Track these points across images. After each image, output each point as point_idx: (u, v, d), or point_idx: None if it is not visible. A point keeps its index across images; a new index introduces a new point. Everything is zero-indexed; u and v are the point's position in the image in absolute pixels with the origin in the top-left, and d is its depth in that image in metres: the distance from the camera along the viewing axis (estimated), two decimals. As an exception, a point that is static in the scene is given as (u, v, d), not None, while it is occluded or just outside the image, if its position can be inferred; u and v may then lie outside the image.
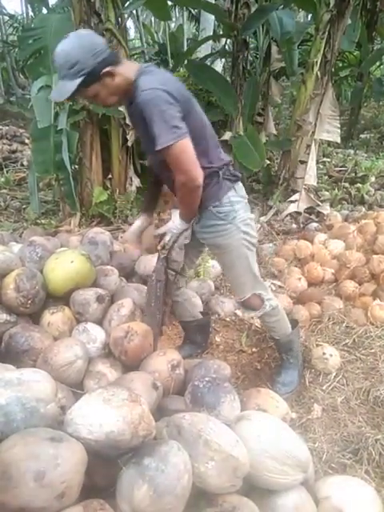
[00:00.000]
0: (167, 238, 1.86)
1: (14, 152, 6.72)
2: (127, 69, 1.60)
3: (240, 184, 1.85)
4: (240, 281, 1.95)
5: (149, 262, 2.82)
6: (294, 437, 1.40)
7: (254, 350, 2.46)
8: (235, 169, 1.86)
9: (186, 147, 1.53)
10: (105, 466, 1.22)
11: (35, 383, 1.22)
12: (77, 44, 1.51)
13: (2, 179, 5.46)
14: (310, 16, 9.51)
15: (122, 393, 1.25)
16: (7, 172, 5.72)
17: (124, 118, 3.87)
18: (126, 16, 4.29)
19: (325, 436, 1.84)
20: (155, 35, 12.49)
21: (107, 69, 1.53)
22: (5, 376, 1.22)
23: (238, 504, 1.23)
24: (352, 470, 1.66)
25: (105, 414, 1.18)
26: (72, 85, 1.51)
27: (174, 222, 1.82)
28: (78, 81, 1.50)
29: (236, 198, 1.80)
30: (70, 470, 1.05)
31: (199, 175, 1.58)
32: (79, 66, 1.49)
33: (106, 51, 1.54)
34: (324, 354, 2.20)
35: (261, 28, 5.45)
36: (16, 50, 13.44)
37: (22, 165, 6.20)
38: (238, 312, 2.75)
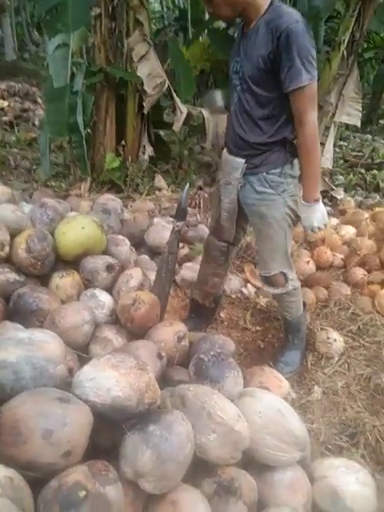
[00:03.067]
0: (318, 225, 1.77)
1: (25, 110, 6.62)
2: None
3: (296, 161, 1.78)
4: (271, 256, 1.92)
5: (158, 233, 2.82)
6: (295, 416, 1.41)
7: (257, 328, 2.47)
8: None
9: (315, 89, 1.54)
10: (109, 430, 1.24)
11: (45, 344, 1.22)
12: None
13: (13, 138, 5.39)
14: (338, -9, 9.16)
15: (129, 360, 1.26)
16: (18, 131, 5.64)
17: (141, 84, 3.76)
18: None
19: (323, 418, 1.87)
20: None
21: None
22: (16, 335, 1.23)
23: (236, 476, 1.25)
24: (348, 454, 1.68)
25: (112, 379, 1.18)
26: None
27: (311, 208, 1.72)
28: None
29: (290, 171, 1.76)
30: (77, 431, 1.06)
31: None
32: None
33: None
34: (328, 338, 2.20)
35: (288, 1, 5.25)
36: (31, 4, 13.04)
37: (34, 124, 6.11)
38: (244, 290, 2.75)
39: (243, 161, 1.77)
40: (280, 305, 2.14)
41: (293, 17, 1.50)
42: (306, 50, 1.48)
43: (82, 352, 1.65)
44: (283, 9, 1.54)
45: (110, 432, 1.23)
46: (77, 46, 3.78)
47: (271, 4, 1.56)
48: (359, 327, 2.38)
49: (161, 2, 9.47)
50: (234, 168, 1.82)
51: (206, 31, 5.46)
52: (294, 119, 1.64)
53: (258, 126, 1.69)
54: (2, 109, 6.43)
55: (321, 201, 1.73)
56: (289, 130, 1.68)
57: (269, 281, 1.99)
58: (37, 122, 6.07)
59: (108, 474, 1.05)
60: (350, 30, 4.01)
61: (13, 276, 1.84)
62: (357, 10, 3.92)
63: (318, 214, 1.73)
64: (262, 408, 1.37)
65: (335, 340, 2.20)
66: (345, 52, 4.09)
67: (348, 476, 1.36)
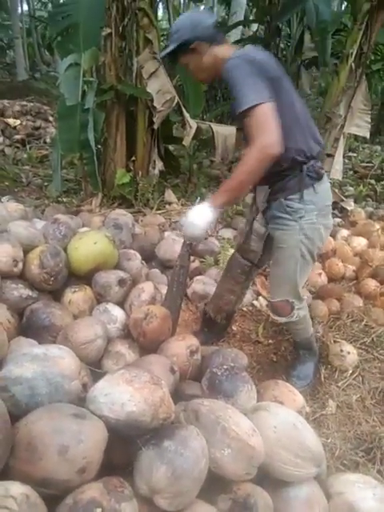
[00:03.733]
0: (187, 232, 1.74)
1: (37, 129, 6.75)
2: (226, 51, 1.66)
3: (324, 185, 1.74)
4: (278, 281, 1.90)
5: (169, 247, 2.84)
6: (310, 431, 1.40)
7: (270, 341, 2.46)
8: (321, 165, 1.75)
9: (269, 111, 1.48)
10: (123, 446, 1.24)
11: (60, 359, 1.24)
12: (187, 16, 1.76)
13: (25, 155, 5.49)
14: (344, 5, 9.24)
15: (144, 375, 1.26)
16: (30, 148, 5.75)
17: (151, 100, 3.83)
18: (159, -4, 4.23)
19: (338, 432, 1.84)
20: (184, 17, 12.27)
21: (196, 44, 1.65)
22: (32, 351, 1.24)
23: (251, 492, 1.24)
24: (364, 469, 1.66)
25: (127, 393, 1.19)
26: (170, 47, 1.70)
27: (189, 213, 1.69)
28: (173, 46, 1.69)
29: (312, 197, 1.70)
30: (92, 447, 1.07)
31: (278, 143, 1.47)
32: (179, 34, 1.67)
33: (207, 30, 1.66)
34: (341, 351, 2.18)
35: (295, 15, 5.33)
36: (42, 25, 13.42)
37: (45, 142, 6.23)
38: (256, 303, 2.74)
39: (267, 186, 1.77)
40: (287, 329, 2.13)
41: (229, 59, 1.56)
42: (241, 78, 1.50)
43: (94, 367, 1.65)
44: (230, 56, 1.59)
45: (124, 448, 1.23)
46: (89, 65, 3.87)
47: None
48: (373, 339, 2.36)
49: (169, 20, 9.65)
50: (261, 192, 1.83)
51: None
52: (299, 132, 1.65)
53: None
54: (15, 127, 6.57)
55: (214, 211, 1.64)
56: (296, 145, 1.64)
57: (274, 307, 1.97)
58: (48, 140, 6.19)
59: (123, 490, 1.05)
60: (358, 43, 4.05)
61: (26, 292, 1.87)
62: (364, 23, 3.96)
63: (200, 219, 1.65)
64: (277, 422, 1.36)
65: (349, 353, 2.17)
66: (353, 64, 4.12)
67: (365, 492, 1.34)
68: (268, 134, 1.47)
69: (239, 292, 2.21)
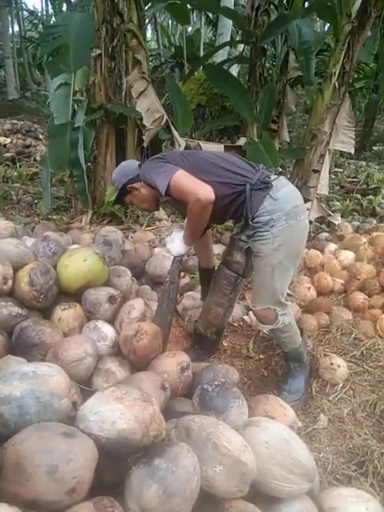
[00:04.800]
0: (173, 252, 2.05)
1: (27, 147, 6.78)
2: None
3: (283, 189, 1.83)
4: (259, 289, 1.97)
5: (159, 263, 2.84)
6: (302, 446, 1.40)
7: (261, 356, 2.46)
8: (270, 172, 1.91)
9: (182, 177, 1.75)
10: (113, 464, 1.22)
11: (50, 377, 1.23)
12: (117, 170, 2.10)
13: (15, 173, 5.50)
14: (326, 26, 9.54)
15: (134, 392, 1.26)
16: (20, 166, 5.76)
17: (141, 119, 3.89)
18: (146, 18, 4.33)
19: (330, 447, 1.84)
20: (172, 38, 12.55)
21: (130, 185, 1.99)
22: (20, 369, 1.23)
23: (244, 509, 1.23)
24: (357, 483, 1.65)
25: (117, 412, 1.18)
26: (115, 196, 2.11)
27: (173, 246, 2.03)
28: (116, 193, 2.08)
29: (273, 205, 1.80)
30: (82, 466, 1.05)
31: (207, 190, 1.71)
32: (116, 184, 2.05)
33: (132, 173, 1.99)
34: (332, 364, 2.19)
35: (279, 36, 5.47)
36: (33, 45, 13.61)
37: (35, 160, 6.24)
38: (246, 318, 2.75)
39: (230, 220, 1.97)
40: (274, 338, 2.16)
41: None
42: (150, 171, 1.85)
43: (84, 385, 1.64)
44: None
45: (115, 466, 1.22)
46: (81, 84, 3.94)
47: None
48: (362, 352, 2.37)
49: (157, 41, 9.85)
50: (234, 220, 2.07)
51: (201, 67, 5.67)
52: (221, 175, 1.85)
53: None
54: (5, 145, 6.59)
55: (185, 248, 2.02)
56: (227, 185, 1.84)
57: (259, 316, 2.03)
58: (38, 158, 6.21)
59: (114, 510, 1.04)
60: (341, 63, 4.16)
61: (15, 309, 1.85)
62: (346, 44, 4.08)
63: (178, 248, 2.03)
64: (269, 438, 1.36)
65: (339, 366, 2.18)
66: (336, 83, 4.23)
67: (358, 506, 1.34)
68: (193, 191, 1.71)
69: (227, 304, 2.22)
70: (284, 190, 1.84)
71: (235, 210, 1.89)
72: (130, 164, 2.12)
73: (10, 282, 1.89)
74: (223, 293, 2.18)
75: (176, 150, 2.08)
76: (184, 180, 1.74)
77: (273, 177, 1.86)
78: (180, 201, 1.81)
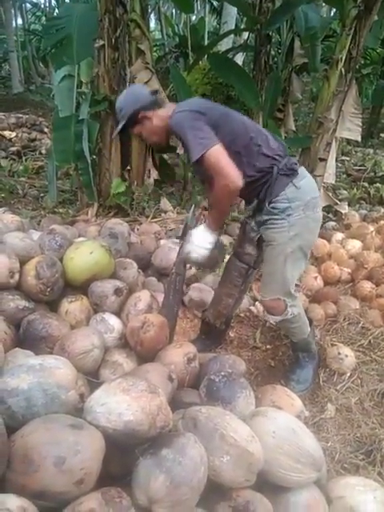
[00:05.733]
0: (194, 255, 1.89)
1: (33, 140, 6.78)
2: (168, 110, 1.84)
3: (305, 179, 1.82)
4: (269, 279, 1.94)
5: (165, 255, 2.84)
6: (309, 435, 1.40)
7: (267, 346, 2.46)
8: (294, 160, 1.86)
9: (218, 153, 1.65)
10: (121, 455, 1.23)
11: (57, 370, 1.24)
12: (124, 95, 1.92)
13: (21, 167, 5.51)
14: (332, 11, 9.36)
15: (141, 383, 1.26)
16: (26, 160, 5.77)
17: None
18: (149, 8, 4.28)
19: (338, 436, 1.84)
20: (176, 27, 12.40)
21: (143, 113, 1.83)
22: (27, 361, 1.24)
23: (251, 499, 1.23)
24: (364, 472, 1.65)
25: (124, 403, 1.19)
26: (120, 125, 1.90)
27: (197, 237, 1.87)
28: (123, 123, 1.87)
29: (294, 193, 1.78)
30: (89, 458, 1.06)
31: (237, 177, 1.66)
32: (124, 111, 1.85)
33: (145, 100, 1.84)
34: (339, 354, 2.18)
35: (285, 23, 5.38)
36: (37, 38, 13.55)
37: (41, 153, 6.25)
38: (253, 308, 2.75)
39: (254, 196, 1.87)
40: (283, 329, 2.15)
41: (171, 115, 1.76)
42: (186, 129, 1.69)
43: (92, 377, 1.65)
44: (172, 112, 1.78)
45: (122, 457, 1.23)
46: (87, 76, 3.92)
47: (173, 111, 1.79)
48: (370, 341, 2.36)
49: (161, 31, 9.74)
50: (247, 204, 1.97)
51: (205, 56, 5.60)
52: (253, 151, 1.78)
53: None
54: (10, 139, 6.60)
55: (213, 235, 1.86)
56: (255, 163, 1.77)
57: (267, 307, 2.01)
58: (44, 151, 6.21)
59: (121, 501, 1.04)
60: (347, 48, 4.08)
61: (22, 303, 1.87)
62: (352, 29, 4.00)
63: (200, 238, 1.86)
64: (276, 428, 1.36)
65: (346, 356, 2.18)
66: (342, 69, 4.15)
67: (365, 495, 1.34)
68: (224, 174, 1.66)
69: (237, 295, 2.22)
70: (306, 179, 1.83)
71: (252, 190, 1.83)
72: (141, 89, 1.99)
73: (16, 276, 1.90)
74: (234, 284, 2.17)
75: (216, 105, 1.89)
76: (219, 158, 1.65)
77: (297, 165, 1.84)
78: (206, 172, 1.74)
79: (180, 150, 4.05)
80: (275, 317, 1.99)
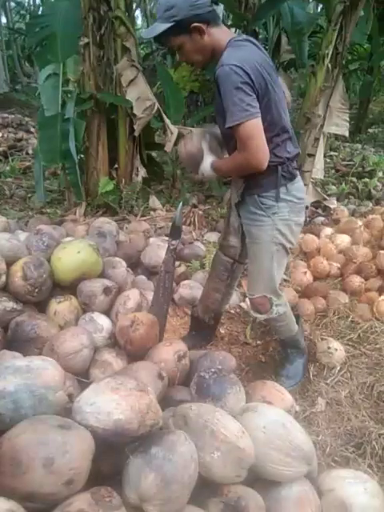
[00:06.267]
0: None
1: (19, 140, 6.71)
2: (221, 34, 1.61)
3: (297, 184, 1.81)
4: (255, 277, 1.94)
5: (154, 253, 2.84)
6: (299, 429, 1.41)
7: (258, 342, 2.47)
8: (296, 165, 1.82)
9: (255, 127, 1.53)
10: (111, 454, 1.23)
11: (44, 371, 1.23)
12: None
13: (8, 168, 5.46)
14: (319, 7, 9.38)
15: (129, 382, 1.26)
16: (12, 160, 5.72)
17: (131, 108, 3.84)
18: (134, 5, 4.24)
19: (328, 429, 1.85)
20: (162, 24, 12.33)
21: (198, 24, 1.54)
22: (14, 363, 1.23)
23: (242, 494, 1.24)
24: (355, 464, 1.67)
25: (113, 402, 1.18)
26: (162, 27, 1.55)
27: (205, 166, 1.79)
28: (168, 25, 1.53)
29: (285, 196, 1.76)
30: (78, 458, 1.06)
31: (265, 159, 1.58)
32: (174, 11, 1.52)
33: (205, 7, 1.55)
34: (329, 348, 2.20)
35: (271, 18, 5.38)
36: (22, 37, 13.40)
37: (27, 153, 6.19)
38: (243, 304, 2.75)
39: (242, 180, 1.81)
40: (270, 327, 2.16)
41: (223, 61, 1.53)
42: (232, 90, 1.50)
43: (82, 377, 1.64)
44: (226, 53, 1.57)
45: (112, 456, 1.22)
46: (74, 74, 3.88)
47: (228, 45, 1.59)
48: (359, 335, 2.38)
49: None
50: (236, 187, 1.88)
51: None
52: (279, 139, 1.70)
53: None
54: (-4, 140, 6.53)
55: (211, 170, 1.79)
56: (274, 150, 1.69)
57: (253, 304, 2.00)
58: (31, 151, 6.15)
59: (111, 500, 1.04)
60: (333, 44, 4.09)
61: (10, 304, 1.85)
62: (339, 24, 4.01)
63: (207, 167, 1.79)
64: (266, 423, 1.36)
65: (336, 349, 2.19)
66: (329, 65, 4.16)
67: (356, 487, 1.35)
68: (252, 152, 1.56)
69: (224, 290, 2.21)
70: (298, 184, 1.82)
71: (256, 176, 1.73)
72: None
73: (3, 277, 1.89)
74: (220, 278, 2.17)
75: (265, 76, 1.58)
76: (255, 133, 1.53)
77: (297, 170, 1.83)
78: (231, 142, 1.65)
79: (167, 145, 3.99)
80: (261, 315, 2.00)
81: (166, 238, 3.00)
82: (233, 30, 8.06)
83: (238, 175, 1.78)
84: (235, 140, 1.62)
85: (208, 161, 1.79)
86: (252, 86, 1.52)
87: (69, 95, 3.92)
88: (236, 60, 1.51)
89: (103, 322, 1.94)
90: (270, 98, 1.62)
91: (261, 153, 1.56)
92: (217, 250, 2.19)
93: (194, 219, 3.88)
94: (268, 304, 1.94)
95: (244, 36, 1.74)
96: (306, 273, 2.93)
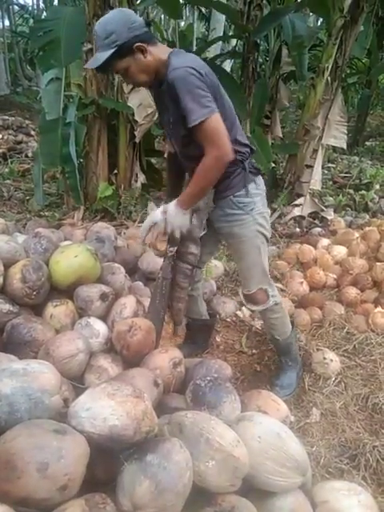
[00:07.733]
0: (161, 227, 1.78)
1: (19, 143, 6.70)
2: (160, 50, 1.65)
3: (260, 177, 1.89)
4: (249, 273, 1.97)
5: (152, 259, 2.83)
6: (295, 440, 1.40)
7: (253, 351, 2.47)
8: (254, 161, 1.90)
9: (218, 122, 1.55)
10: (106, 461, 1.22)
11: (41, 374, 1.22)
12: (115, 17, 1.58)
13: (7, 170, 5.45)
14: (320, 21, 9.52)
15: (126, 388, 1.25)
16: (12, 163, 5.71)
17: (132, 114, 3.86)
18: (138, 13, 4.29)
19: (323, 440, 1.85)
20: (164, 33, 12.44)
21: (140, 44, 1.56)
22: (10, 366, 1.22)
23: (236, 504, 1.23)
24: (349, 476, 1.66)
25: (109, 408, 1.18)
26: (105, 55, 1.55)
27: (168, 211, 1.73)
28: (111, 51, 1.54)
29: (256, 190, 1.84)
30: (73, 463, 1.05)
31: (231, 150, 1.59)
32: (114, 37, 1.53)
33: (141, 29, 1.58)
34: (324, 358, 2.20)
35: (272, 30, 5.45)
36: (24, 40, 13.45)
37: (27, 156, 6.19)
38: (239, 313, 2.76)
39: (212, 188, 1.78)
40: (265, 324, 2.17)
41: (174, 66, 1.55)
42: (188, 91, 1.51)
43: (77, 382, 1.63)
44: (173, 59, 1.60)
45: (107, 463, 1.22)
46: (78, 78, 3.90)
47: (170, 55, 1.62)
48: (355, 346, 2.39)
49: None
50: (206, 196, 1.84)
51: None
52: (237, 134, 1.75)
53: None
54: (-4, 141, 6.52)
55: (187, 212, 1.74)
56: (235, 146, 1.70)
57: (250, 298, 2.03)
58: (30, 154, 6.15)
59: (106, 507, 1.03)
60: (333, 57, 4.17)
61: (6, 306, 1.84)
62: (339, 38, 4.09)
63: (180, 218, 1.74)
64: (261, 432, 1.36)
65: (331, 360, 2.20)
66: (329, 78, 4.23)
67: (350, 499, 1.35)
68: (221, 145, 1.57)
69: (186, 298, 2.15)
70: (260, 178, 1.90)
71: (225, 178, 1.75)
72: (134, 15, 1.65)
73: (0, 279, 1.87)
74: (181, 287, 2.10)
75: (213, 74, 1.65)
76: (218, 127, 1.54)
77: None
78: (190, 144, 1.65)
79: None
80: (259, 306, 2.02)
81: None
82: (234, 41, 8.18)
83: (212, 183, 1.68)
84: (194, 144, 1.63)
85: (164, 207, 1.75)
86: (207, 84, 1.56)
87: (71, 100, 3.94)
88: (188, 62, 1.55)
89: (100, 327, 1.93)
90: (221, 94, 1.68)
91: (227, 145, 1.58)
92: (172, 260, 2.02)
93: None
94: (265, 295, 1.99)
95: (182, 49, 1.81)
96: (302, 283, 2.95)
